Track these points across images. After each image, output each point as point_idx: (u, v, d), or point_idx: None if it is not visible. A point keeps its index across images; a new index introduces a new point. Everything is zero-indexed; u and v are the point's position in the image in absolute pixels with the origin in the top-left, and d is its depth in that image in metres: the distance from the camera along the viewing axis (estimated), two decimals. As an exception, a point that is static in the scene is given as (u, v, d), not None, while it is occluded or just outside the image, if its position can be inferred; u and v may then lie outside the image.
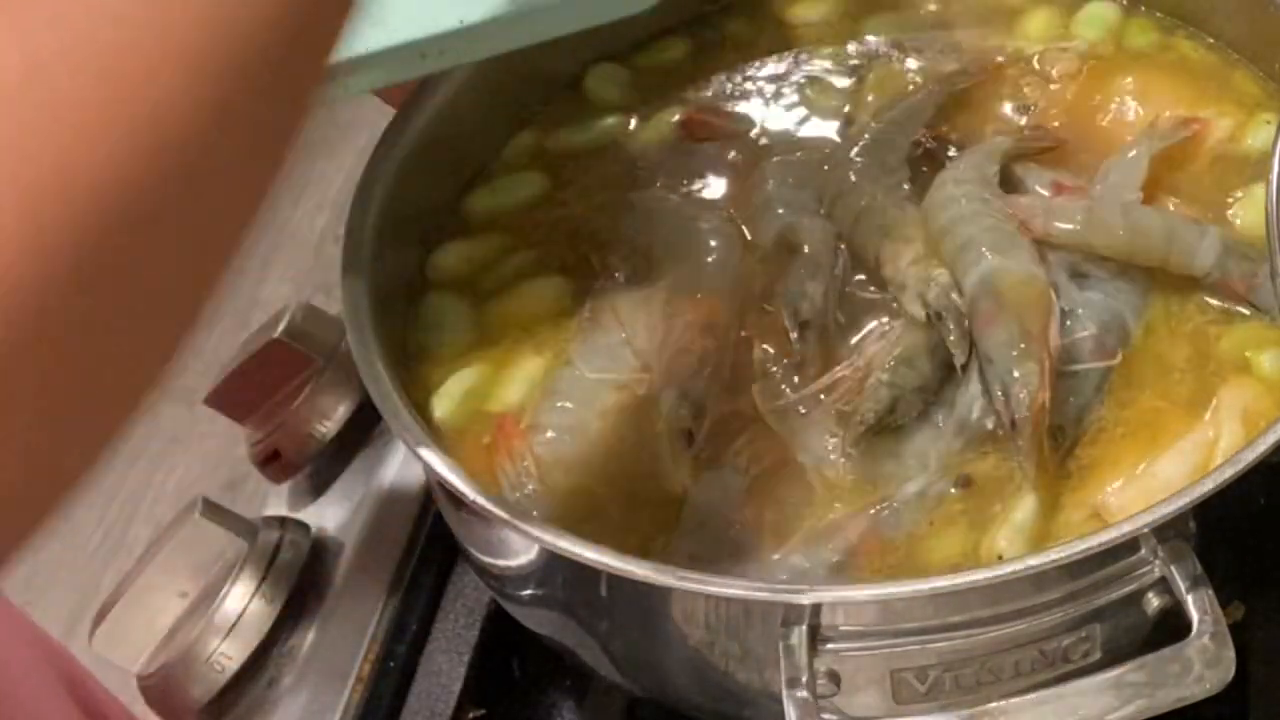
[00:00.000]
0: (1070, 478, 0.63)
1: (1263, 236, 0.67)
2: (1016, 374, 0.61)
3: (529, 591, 0.65)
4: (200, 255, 0.39)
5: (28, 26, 0.35)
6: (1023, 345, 0.62)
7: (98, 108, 0.35)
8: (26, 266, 0.33)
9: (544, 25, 0.66)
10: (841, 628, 0.56)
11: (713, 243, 0.72)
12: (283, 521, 0.72)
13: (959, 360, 0.63)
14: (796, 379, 0.66)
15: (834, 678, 0.56)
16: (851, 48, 0.80)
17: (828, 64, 0.80)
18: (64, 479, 0.37)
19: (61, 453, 0.36)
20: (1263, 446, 0.56)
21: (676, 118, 0.79)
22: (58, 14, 0.35)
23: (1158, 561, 0.56)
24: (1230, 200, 0.71)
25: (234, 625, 0.67)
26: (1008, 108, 0.76)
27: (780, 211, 0.72)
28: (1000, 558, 0.59)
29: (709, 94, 0.80)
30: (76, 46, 0.35)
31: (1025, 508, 0.61)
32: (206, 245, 0.39)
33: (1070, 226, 0.68)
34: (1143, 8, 0.79)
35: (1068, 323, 0.65)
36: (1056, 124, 0.75)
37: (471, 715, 0.71)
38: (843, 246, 0.70)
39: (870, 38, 0.81)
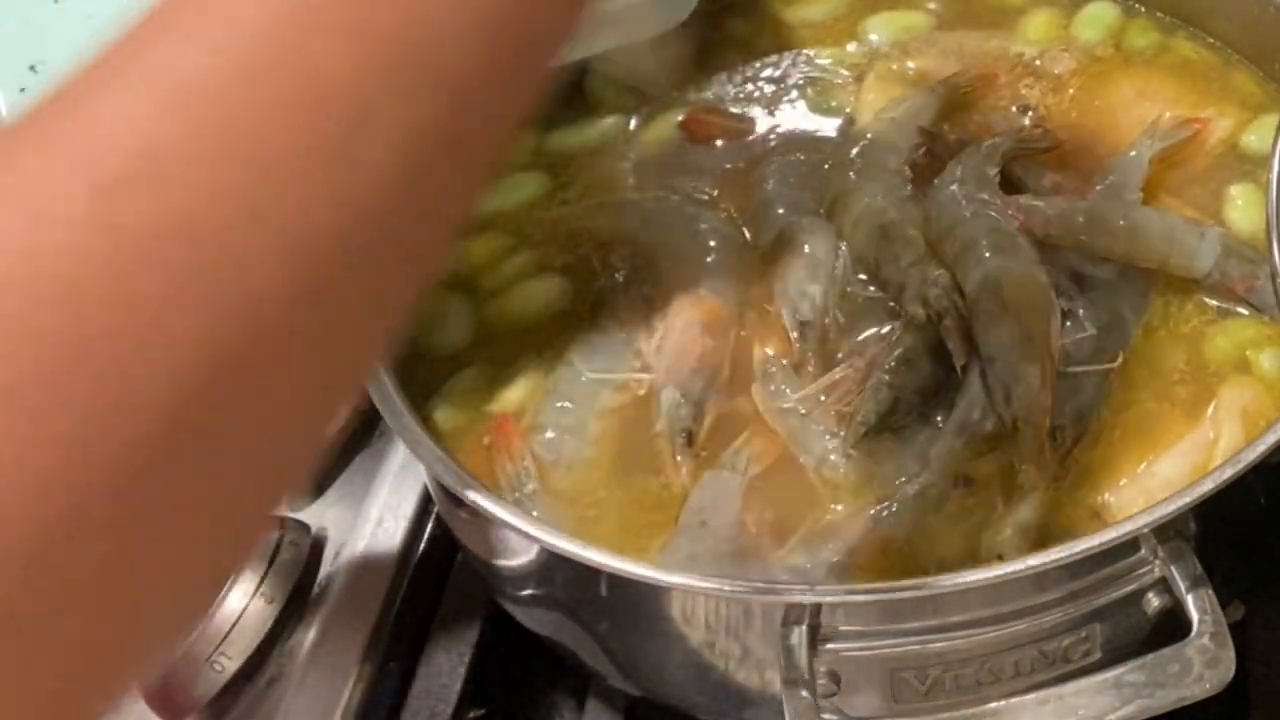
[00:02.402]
0: (1070, 478, 0.63)
1: (1257, 233, 0.67)
2: (1018, 375, 0.61)
3: (529, 591, 0.65)
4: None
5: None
6: (1024, 347, 0.62)
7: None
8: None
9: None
10: (841, 628, 0.56)
11: (713, 243, 0.72)
12: (283, 521, 0.72)
13: (959, 361, 0.63)
14: (797, 379, 0.66)
15: (834, 678, 0.56)
16: (851, 48, 0.81)
17: (828, 64, 0.80)
18: None
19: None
20: (1263, 446, 0.56)
21: (677, 118, 0.79)
22: None
23: (1158, 561, 0.56)
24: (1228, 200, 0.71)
25: (234, 625, 0.67)
26: (1008, 108, 0.76)
27: (780, 211, 0.72)
28: (1000, 558, 0.59)
29: (709, 94, 0.80)
30: None
31: (1025, 508, 0.61)
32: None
33: (1070, 227, 0.68)
34: (1143, 8, 0.79)
35: (1068, 323, 0.65)
36: (1056, 124, 0.75)
37: (471, 715, 0.71)
38: (843, 246, 0.70)
39: (870, 37, 0.81)
